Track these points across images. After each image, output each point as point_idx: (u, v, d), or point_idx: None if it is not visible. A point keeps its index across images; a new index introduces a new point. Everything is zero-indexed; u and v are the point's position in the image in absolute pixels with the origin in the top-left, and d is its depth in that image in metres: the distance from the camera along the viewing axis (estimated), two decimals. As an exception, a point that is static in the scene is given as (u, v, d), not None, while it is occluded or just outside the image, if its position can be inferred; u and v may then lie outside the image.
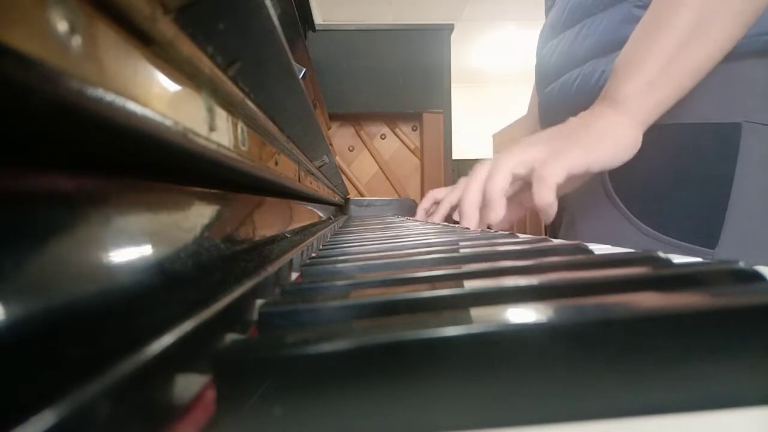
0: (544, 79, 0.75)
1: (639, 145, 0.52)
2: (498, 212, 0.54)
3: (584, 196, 0.64)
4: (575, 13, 0.67)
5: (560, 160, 0.50)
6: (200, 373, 0.11)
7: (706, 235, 0.55)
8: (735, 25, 0.49)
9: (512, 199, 0.59)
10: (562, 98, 0.69)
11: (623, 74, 0.52)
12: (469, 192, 0.56)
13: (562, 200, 0.69)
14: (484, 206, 0.55)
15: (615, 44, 0.59)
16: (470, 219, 0.57)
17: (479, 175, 0.56)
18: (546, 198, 0.50)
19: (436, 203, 0.81)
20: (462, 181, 0.63)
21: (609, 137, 0.51)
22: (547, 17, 0.79)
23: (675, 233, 0.57)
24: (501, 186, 0.53)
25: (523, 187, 0.58)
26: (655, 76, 0.50)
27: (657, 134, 0.56)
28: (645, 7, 0.56)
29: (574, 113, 0.61)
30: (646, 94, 0.51)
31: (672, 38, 0.50)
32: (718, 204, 0.54)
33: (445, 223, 0.65)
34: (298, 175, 0.46)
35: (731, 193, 0.54)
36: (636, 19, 0.56)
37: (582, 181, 0.57)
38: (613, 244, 0.32)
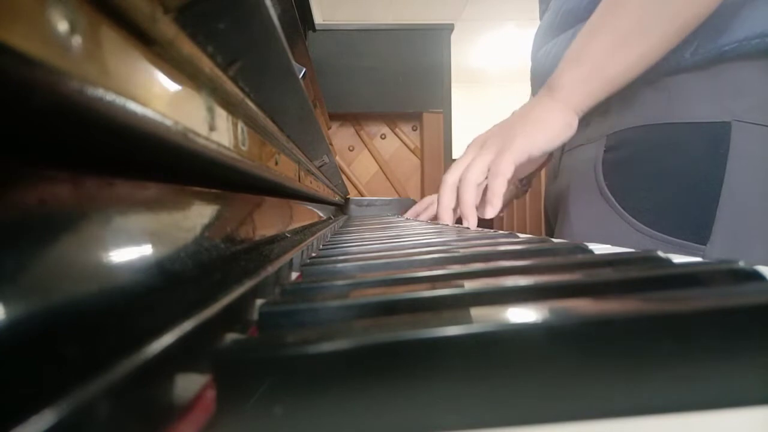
0: (539, 81, 0.76)
1: (574, 128, 0.60)
2: (472, 223, 0.62)
3: (579, 194, 0.66)
4: (567, 19, 0.69)
5: (506, 155, 0.59)
6: (200, 373, 0.11)
7: (698, 231, 0.56)
8: (670, 32, 0.54)
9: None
10: None
11: (564, 66, 0.60)
12: (442, 203, 0.66)
13: (558, 198, 0.70)
14: (462, 218, 0.64)
15: None
16: (449, 221, 0.66)
17: (446, 187, 0.65)
18: (499, 189, 0.59)
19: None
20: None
21: (543, 123, 0.60)
22: (541, 21, 0.80)
23: (667, 230, 0.57)
24: (472, 201, 0.62)
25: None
26: (589, 71, 0.58)
27: (649, 133, 0.59)
28: None
29: None
30: (578, 85, 0.58)
31: (608, 39, 0.56)
32: (710, 201, 0.55)
33: (445, 223, 0.66)
34: (298, 174, 0.46)
35: (722, 190, 0.55)
36: None
37: (533, 166, 0.68)
38: (607, 241, 0.32)
